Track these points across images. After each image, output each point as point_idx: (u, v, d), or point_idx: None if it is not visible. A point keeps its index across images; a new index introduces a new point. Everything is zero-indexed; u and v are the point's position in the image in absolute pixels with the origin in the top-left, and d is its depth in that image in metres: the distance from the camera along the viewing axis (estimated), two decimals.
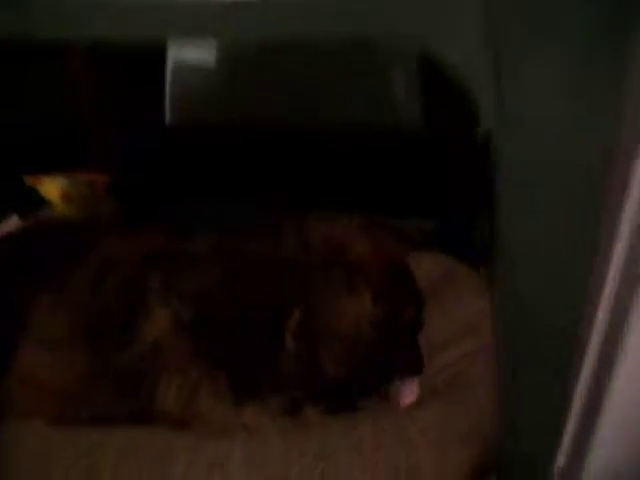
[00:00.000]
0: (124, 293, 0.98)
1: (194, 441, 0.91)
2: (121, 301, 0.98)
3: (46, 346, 0.98)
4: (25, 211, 1.43)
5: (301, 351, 0.95)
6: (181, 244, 1.04)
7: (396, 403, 0.99)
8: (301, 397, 0.96)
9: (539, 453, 0.81)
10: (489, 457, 0.91)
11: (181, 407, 0.94)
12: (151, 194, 1.48)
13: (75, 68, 1.52)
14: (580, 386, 0.75)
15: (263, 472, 0.86)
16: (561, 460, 0.80)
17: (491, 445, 0.91)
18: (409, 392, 1.00)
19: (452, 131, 1.32)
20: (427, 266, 1.17)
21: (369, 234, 1.03)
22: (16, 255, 1.08)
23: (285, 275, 0.98)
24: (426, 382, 1.01)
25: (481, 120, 0.61)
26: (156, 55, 1.55)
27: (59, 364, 0.97)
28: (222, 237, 1.04)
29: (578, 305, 0.68)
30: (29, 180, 1.43)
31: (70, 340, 0.98)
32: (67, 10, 0.59)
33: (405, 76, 1.47)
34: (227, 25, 0.59)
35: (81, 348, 0.97)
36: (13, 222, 1.43)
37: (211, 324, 0.96)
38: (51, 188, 1.42)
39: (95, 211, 1.42)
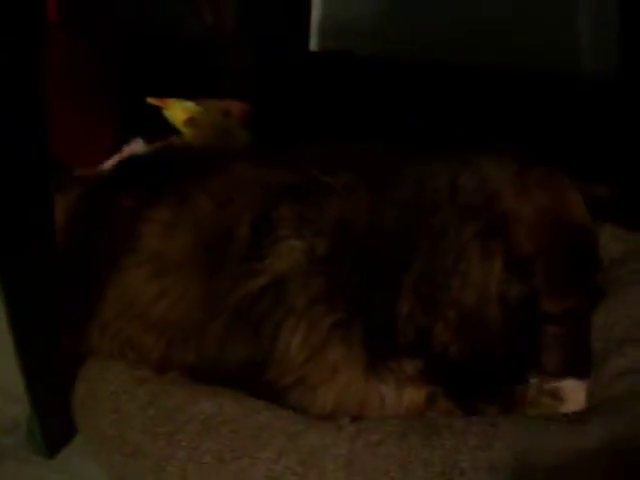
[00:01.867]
0: (251, 219, 0.81)
1: (291, 425, 0.74)
2: (247, 227, 0.81)
3: (156, 271, 0.83)
4: (151, 136, 1.30)
5: (415, 314, 0.75)
6: (315, 178, 0.86)
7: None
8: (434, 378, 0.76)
9: None
10: None
11: (304, 359, 0.77)
12: (291, 129, 1.31)
13: None
14: None
15: (368, 478, 0.68)
16: None
17: None
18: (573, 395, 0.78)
19: None
20: (604, 241, 0.91)
21: (542, 187, 0.78)
22: (135, 171, 0.95)
23: (419, 220, 0.77)
24: (595, 391, 0.79)
25: None
26: None
27: (169, 294, 0.82)
28: (361, 172, 0.85)
29: None
30: (154, 101, 1.29)
31: (185, 266, 0.82)
32: None
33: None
34: None
35: (197, 276, 0.82)
36: (138, 145, 1.31)
37: (350, 261, 0.78)
38: (177, 111, 1.28)
39: (226, 142, 1.26)
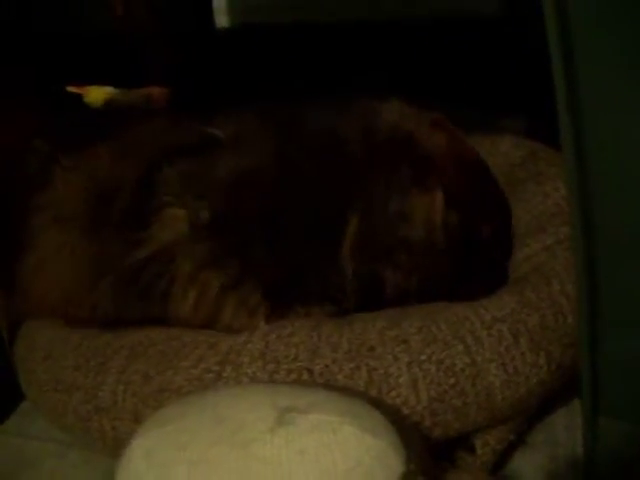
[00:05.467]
0: (135, 179, 0.84)
1: (212, 337, 0.78)
2: (129, 191, 0.84)
3: (55, 218, 0.87)
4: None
5: (359, 266, 0.80)
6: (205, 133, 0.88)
7: None
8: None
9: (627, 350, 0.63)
10: (567, 355, 0.74)
11: (201, 320, 0.82)
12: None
13: None
14: None
15: (281, 365, 0.72)
16: None
17: (570, 343, 0.74)
18: None
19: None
20: (506, 149, 1.00)
21: (445, 128, 0.85)
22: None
23: (339, 165, 0.81)
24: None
25: None
26: None
27: (64, 247, 0.85)
28: (259, 123, 0.88)
29: None
30: (74, 89, 1.33)
31: (78, 217, 0.85)
32: None
33: None
34: None
35: (86, 230, 0.85)
36: None
37: (238, 224, 0.81)
38: (96, 95, 1.31)
39: None
